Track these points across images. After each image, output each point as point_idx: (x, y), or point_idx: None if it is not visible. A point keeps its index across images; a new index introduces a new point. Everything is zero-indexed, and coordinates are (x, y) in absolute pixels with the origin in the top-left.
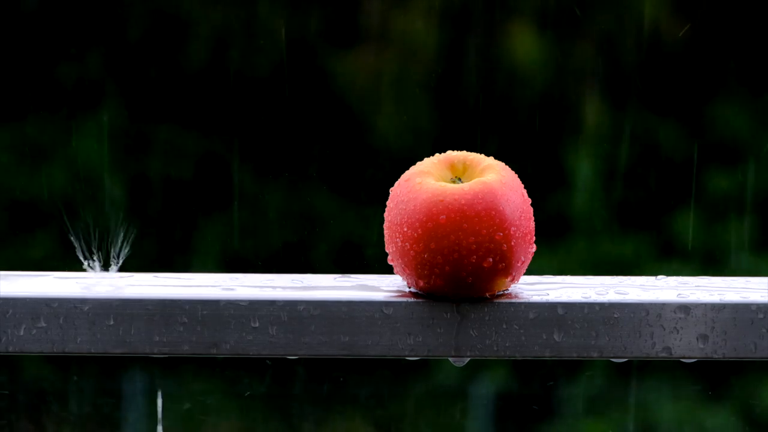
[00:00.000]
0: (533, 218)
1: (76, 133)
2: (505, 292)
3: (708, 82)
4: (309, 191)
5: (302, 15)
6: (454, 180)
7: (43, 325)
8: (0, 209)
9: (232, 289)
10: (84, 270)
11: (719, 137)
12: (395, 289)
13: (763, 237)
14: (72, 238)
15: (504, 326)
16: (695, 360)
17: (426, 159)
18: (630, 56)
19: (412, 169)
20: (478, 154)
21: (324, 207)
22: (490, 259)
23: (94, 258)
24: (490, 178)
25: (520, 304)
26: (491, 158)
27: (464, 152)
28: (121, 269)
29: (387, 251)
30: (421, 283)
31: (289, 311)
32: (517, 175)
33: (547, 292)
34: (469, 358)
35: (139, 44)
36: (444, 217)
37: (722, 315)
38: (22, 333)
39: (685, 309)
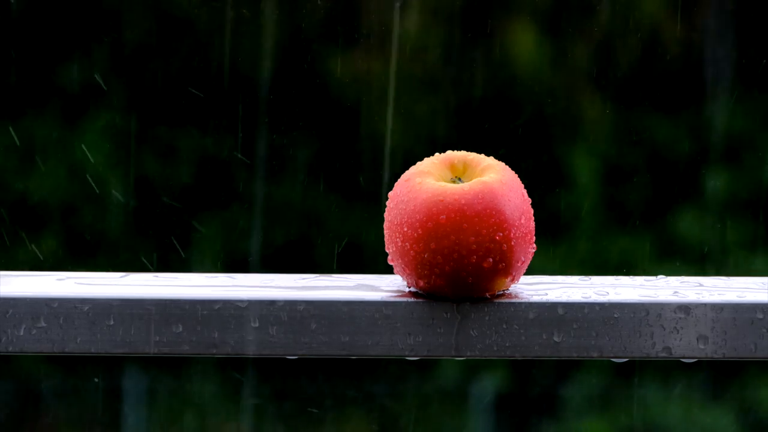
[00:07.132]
0: (533, 218)
1: (77, 132)
2: (505, 292)
3: (708, 80)
4: (309, 191)
5: (302, 15)
6: (454, 180)
7: (43, 325)
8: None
9: (232, 289)
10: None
11: (720, 136)
12: (395, 289)
13: (764, 237)
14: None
15: (504, 326)
16: (695, 360)
17: (426, 159)
18: (630, 55)
19: (412, 169)
20: (478, 154)
21: (324, 207)
22: (490, 259)
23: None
24: (490, 178)
25: (520, 304)
26: (491, 158)
27: (464, 152)
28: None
29: (387, 251)
30: (421, 283)
31: (289, 311)
32: (517, 175)
33: (547, 292)
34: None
35: (140, 44)
36: (444, 217)
37: (722, 315)
38: (22, 333)
39: (685, 309)
